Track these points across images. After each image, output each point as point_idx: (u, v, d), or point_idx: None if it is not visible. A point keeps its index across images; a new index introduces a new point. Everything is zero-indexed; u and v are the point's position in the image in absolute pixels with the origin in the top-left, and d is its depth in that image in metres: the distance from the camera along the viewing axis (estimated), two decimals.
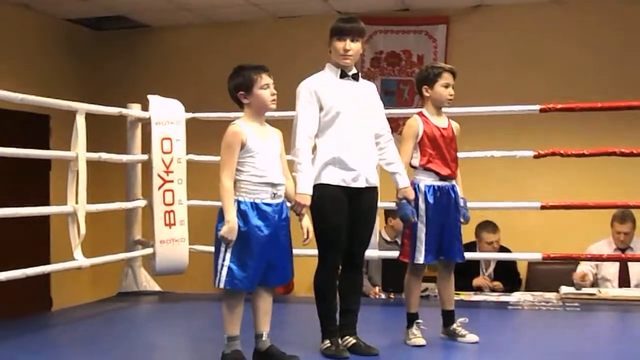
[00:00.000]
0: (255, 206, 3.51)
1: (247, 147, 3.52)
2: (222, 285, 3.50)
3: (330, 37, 3.82)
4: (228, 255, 3.49)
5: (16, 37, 7.42)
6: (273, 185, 3.56)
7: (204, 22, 8.16)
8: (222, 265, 3.49)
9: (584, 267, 5.95)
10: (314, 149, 3.78)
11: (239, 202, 3.50)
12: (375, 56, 7.82)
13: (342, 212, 3.74)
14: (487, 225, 6.25)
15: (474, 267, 6.14)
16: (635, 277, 5.89)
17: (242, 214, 3.49)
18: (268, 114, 3.67)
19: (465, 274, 5.81)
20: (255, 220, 3.50)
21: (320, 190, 3.71)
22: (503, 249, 6.31)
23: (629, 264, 5.91)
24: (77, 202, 4.94)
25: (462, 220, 4.15)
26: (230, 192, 3.49)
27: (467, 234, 5.46)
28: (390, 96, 7.63)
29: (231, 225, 3.44)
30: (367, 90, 3.93)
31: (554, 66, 7.35)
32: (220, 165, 3.54)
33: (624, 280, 5.92)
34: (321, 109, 3.76)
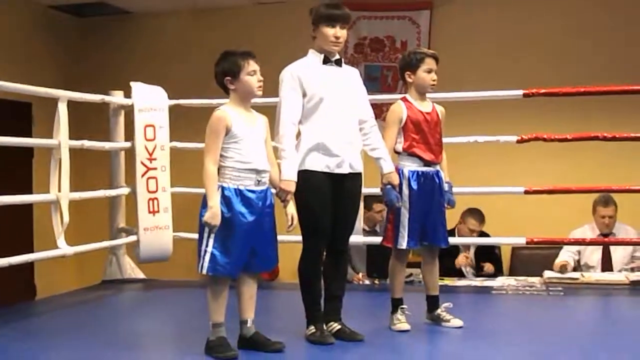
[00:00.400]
0: (239, 192, 3.51)
1: (232, 132, 3.51)
2: (204, 271, 3.50)
3: (318, 22, 3.79)
4: (211, 242, 3.48)
5: None
6: (257, 172, 3.55)
7: (187, 8, 8.11)
8: (205, 251, 3.49)
9: (566, 254, 5.97)
10: (298, 135, 3.77)
11: (222, 188, 3.49)
12: (359, 42, 7.80)
13: (326, 198, 3.74)
14: (475, 213, 6.27)
15: (454, 251, 6.15)
16: (618, 264, 5.92)
17: (226, 200, 3.48)
18: (253, 100, 3.66)
19: (446, 257, 5.83)
20: (239, 207, 3.49)
21: (305, 177, 3.71)
22: (483, 234, 6.32)
23: (612, 250, 5.94)
24: (60, 190, 4.91)
25: (447, 205, 4.16)
26: (214, 178, 3.48)
27: (452, 219, 5.49)
28: (374, 82, 7.62)
29: (214, 210, 3.43)
30: (351, 76, 3.92)
31: (539, 51, 7.35)
32: (204, 151, 3.53)
33: (606, 267, 5.94)
34: (305, 95, 3.74)
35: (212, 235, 3.47)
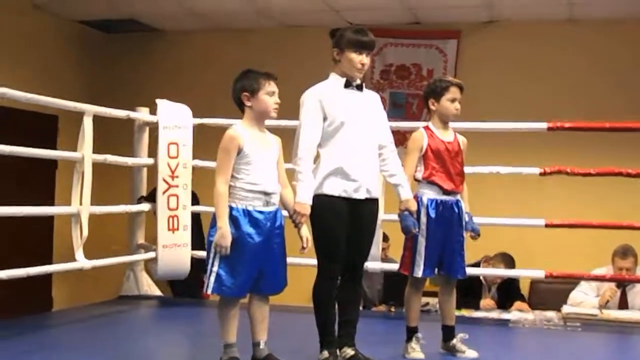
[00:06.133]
0: (247, 213, 3.51)
1: (244, 152, 3.52)
2: (209, 291, 3.52)
3: (344, 47, 3.78)
4: (217, 262, 3.49)
5: (27, 38, 7.44)
6: (266, 193, 3.55)
7: (214, 27, 8.18)
8: (212, 271, 3.50)
9: (581, 295, 5.83)
10: (316, 158, 3.77)
11: (230, 208, 3.50)
12: (385, 68, 7.82)
13: (343, 222, 3.73)
14: (507, 260, 6.02)
15: (477, 289, 6.06)
16: (635, 308, 5.80)
17: (233, 220, 3.48)
18: (270, 122, 3.67)
19: (470, 296, 5.78)
20: (247, 227, 3.50)
21: (322, 201, 3.70)
22: (507, 281, 6.16)
23: (629, 295, 5.82)
24: (81, 204, 4.94)
25: (472, 233, 4.13)
26: (225, 198, 3.49)
27: (476, 252, 5.42)
28: (398, 109, 7.63)
29: (223, 231, 3.43)
30: (371, 101, 3.92)
31: (564, 84, 7.35)
32: (216, 169, 3.54)
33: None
34: (325, 118, 3.74)
35: (219, 256, 3.47)
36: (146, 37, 8.47)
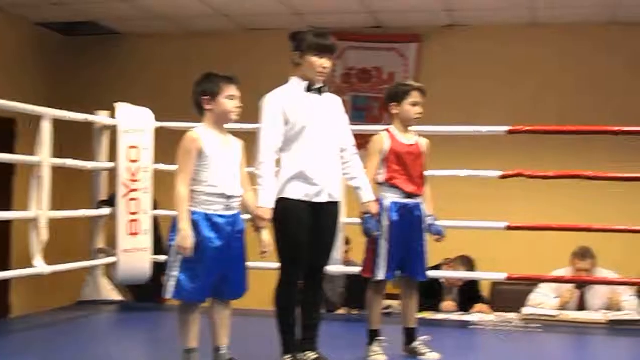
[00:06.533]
0: (207, 217, 3.48)
1: (204, 155, 3.50)
2: (169, 296, 3.50)
3: (306, 51, 3.76)
4: (177, 266, 3.46)
5: None
6: (227, 197, 3.53)
7: (174, 31, 8.14)
8: (171, 276, 3.47)
9: (541, 297, 5.89)
10: (278, 162, 3.76)
11: (191, 213, 3.47)
12: (347, 72, 7.84)
13: (304, 226, 3.72)
14: (467, 263, 6.12)
15: (438, 291, 6.09)
16: (593, 309, 5.86)
17: (193, 225, 3.45)
18: (232, 125, 3.65)
19: (431, 298, 5.80)
20: (207, 232, 3.47)
21: (284, 205, 3.69)
22: (468, 284, 6.19)
23: (587, 296, 5.88)
24: (39, 208, 4.87)
25: (437, 235, 4.15)
26: (185, 200, 3.46)
27: (438, 254, 5.45)
28: (360, 112, 7.65)
29: (184, 233, 3.41)
30: (333, 104, 3.91)
31: (526, 87, 7.43)
32: (177, 172, 3.51)
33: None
34: (286, 122, 3.73)
35: (179, 260, 3.44)
36: (106, 40, 8.39)
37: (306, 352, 3.79)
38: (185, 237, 3.40)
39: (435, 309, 5.91)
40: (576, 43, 7.39)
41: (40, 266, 4.92)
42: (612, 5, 6.84)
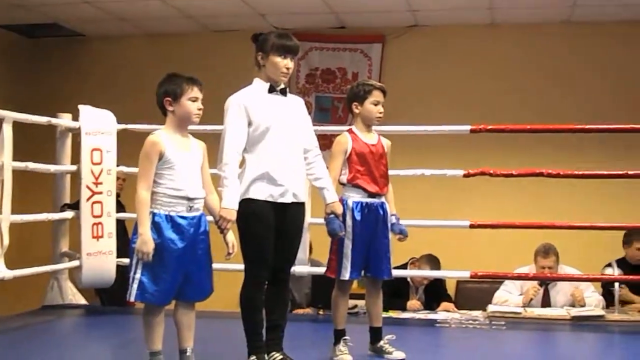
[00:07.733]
0: (170, 219, 3.48)
1: (166, 158, 3.49)
2: (132, 299, 3.47)
3: (269, 52, 3.77)
4: (140, 269, 3.44)
5: None
6: (189, 199, 3.53)
7: (138, 32, 8.10)
8: (134, 278, 3.45)
9: (505, 294, 5.95)
10: (242, 163, 3.76)
11: (153, 214, 3.46)
12: (311, 72, 7.85)
13: (269, 227, 3.72)
14: (432, 262, 6.13)
15: (403, 290, 6.12)
16: (557, 305, 5.93)
17: (156, 227, 3.44)
18: (194, 127, 3.64)
19: (396, 297, 5.84)
20: (170, 233, 3.46)
21: (248, 205, 3.68)
22: (434, 282, 6.25)
23: (551, 292, 5.95)
24: (1, 212, 4.82)
25: (400, 235, 4.16)
26: (146, 204, 3.45)
27: (403, 253, 5.48)
28: (324, 113, 7.68)
29: (144, 237, 3.39)
30: (296, 105, 3.92)
31: (487, 87, 7.49)
32: (138, 176, 3.50)
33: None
34: (250, 124, 3.73)
35: (141, 262, 3.43)
36: (70, 42, 8.33)
37: (272, 353, 3.79)
38: (145, 242, 3.39)
39: (401, 307, 5.94)
40: (535, 42, 7.49)
41: (2, 271, 4.87)
42: (569, 5, 6.94)
